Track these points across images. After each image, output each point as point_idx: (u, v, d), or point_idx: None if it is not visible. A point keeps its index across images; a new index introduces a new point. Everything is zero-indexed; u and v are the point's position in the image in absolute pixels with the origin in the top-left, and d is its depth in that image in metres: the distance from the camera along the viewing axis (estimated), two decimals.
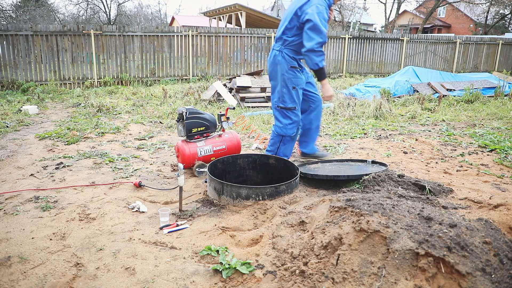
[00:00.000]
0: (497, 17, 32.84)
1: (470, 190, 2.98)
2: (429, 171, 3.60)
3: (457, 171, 3.62)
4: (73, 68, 10.89)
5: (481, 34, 29.07)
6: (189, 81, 12.12)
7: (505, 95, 8.33)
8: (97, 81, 11.12)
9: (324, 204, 2.43)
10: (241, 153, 3.85)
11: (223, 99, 7.78)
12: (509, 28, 33.70)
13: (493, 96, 8.26)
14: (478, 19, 35.12)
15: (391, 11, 33.03)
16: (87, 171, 3.71)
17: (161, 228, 2.50)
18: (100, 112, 6.87)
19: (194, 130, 3.60)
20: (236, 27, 18.48)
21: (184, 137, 3.62)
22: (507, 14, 32.08)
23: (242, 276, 1.94)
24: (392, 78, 9.49)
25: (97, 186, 3.31)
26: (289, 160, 3.35)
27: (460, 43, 15.53)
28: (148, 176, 3.58)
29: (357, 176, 2.99)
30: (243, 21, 16.29)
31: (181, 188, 2.74)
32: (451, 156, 4.12)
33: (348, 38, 14.15)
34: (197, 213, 2.73)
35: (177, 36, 11.98)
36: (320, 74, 3.28)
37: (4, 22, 23.85)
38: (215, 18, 20.53)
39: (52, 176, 3.55)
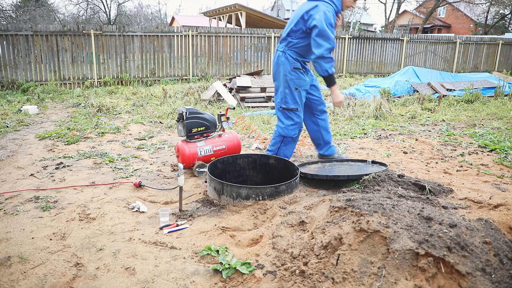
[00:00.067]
0: (497, 17, 32.84)
1: (470, 190, 2.98)
2: (429, 171, 3.60)
3: (457, 171, 3.62)
4: (73, 68, 10.89)
5: (481, 34, 29.07)
6: (189, 81, 12.12)
7: (505, 95, 8.33)
8: (97, 81, 11.12)
9: (324, 204, 2.43)
10: (241, 153, 3.85)
11: (223, 99, 7.78)
12: (509, 28, 33.70)
13: (493, 96, 8.26)
14: (478, 19, 35.13)
15: (391, 11, 33.04)
16: (87, 171, 3.71)
17: (161, 228, 2.50)
18: (100, 112, 6.88)
19: (194, 130, 3.60)
20: (236, 27, 18.48)
21: (184, 137, 3.62)
22: (507, 14, 32.09)
23: (242, 276, 1.94)
24: (392, 78, 9.49)
25: (97, 186, 3.31)
26: (289, 160, 3.35)
27: (460, 43, 15.54)
28: (148, 176, 3.58)
29: (357, 176, 2.99)
30: (243, 21, 16.29)
31: (181, 188, 2.74)
32: (451, 156, 4.12)
33: (348, 38, 14.15)
34: (197, 213, 2.73)
35: (177, 36, 11.98)
36: (330, 80, 3.29)
37: (4, 22, 23.85)
38: (215, 18, 20.53)
39: (52, 176, 3.55)
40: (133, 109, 7.20)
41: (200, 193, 3.13)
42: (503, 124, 5.66)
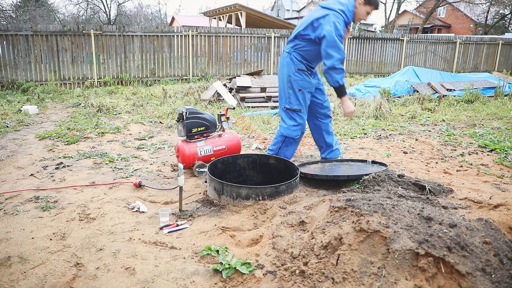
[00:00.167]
0: (497, 17, 32.84)
1: (470, 190, 2.98)
2: (429, 171, 3.60)
3: (457, 171, 3.62)
4: (73, 68, 10.89)
5: (481, 34, 29.07)
6: (189, 81, 12.12)
7: (505, 95, 8.33)
8: (97, 81, 11.12)
9: (324, 204, 2.43)
10: (241, 153, 3.85)
11: (223, 99, 7.78)
12: (509, 28, 33.70)
13: (493, 96, 8.26)
14: (478, 19, 35.13)
15: (391, 11, 33.00)
16: (87, 171, 3.71)
17: (161, 228, 2.50)
18: (100, 112, 6.88)
19: (194, 130, 3.60)
20: (236, 27, 18.48)
21: (184, 137, 3.62)
22: (507, 14, 32.09)
23: (242, 276, 1.94)
24: (392, 78, 9.49)
25: (97, 186, 3.31)
26: (289, 160, 3.35)
27: (460, 43, 15.54)
28: (148, 176, 3.58)
29: (357, 176, 2.99)
30: (243, 21, 16.29)
31: (181, 188, 2.74)
32: (451, 156, 4.12)
33: (348, 38, 14.14)
34: (197, 213, 2.73)
35: (177, 36, 11.98)
36: (340, 91, 3.30)
37: (4, 22, 23.85)
38: (215, 18, 20.53)
39: (52, 176, 3.55)
40: (133, 109, 7.20)
41: (200, 193, 3.13)
42: (503, 124, 5.66)
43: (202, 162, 3.55)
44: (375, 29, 44.43)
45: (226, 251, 2.16)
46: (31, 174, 3.58)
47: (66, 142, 4.78)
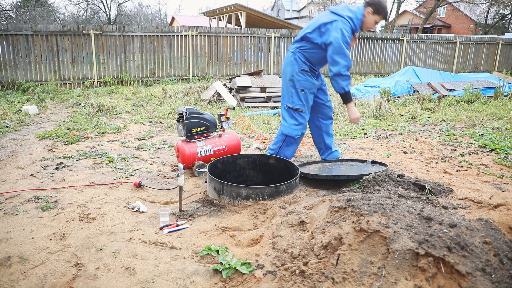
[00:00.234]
0: (497, 17, 32.84)
1: (470, 190, 2.98)
2: (429, 171, 3.60)
3: (457, 171, 3.62)
4: (73, 68, 10.89)
5: (481, 34, 29.07)
6: (189, 81, 12.12)
7: (505, 95, 8.33)
8: (97, 81, 11.12)
9: (324, 204, 2.43)
10: (241, 153, 3.85)
11: (223, 99, 7.78)
12: (509, 28, 33.70)
13: (493, 96, 8.26)
14: (478, 19, 35.13)
15: (391, 11, 32.99)
16: (87, 171, 3.71)
17: (161, 228, 2.50)
18: (100, 112, 6.88)
19: (194, 130, 3.60)
20: (236, 27, 18.48)
21: (184, 137, 3.62)
22: (507, 14, 32.09)
23: (242, 276, 1.94)
24: (392, 78, 9.49)
25: (97, 186, 3.31)
26: (289, 160, 3.35)
27: (460, 43, 15.54)
28: (148, 176, 3.58)
29: (357, 176, 2.99)
30: (243, 21, 16.29)
31: (181, 188, 2.74)
32: (451, 156, 4.12)
33: None
34: (197, 213, 2.73)
35: (177, 36, 11.98)
36: (346, 98, 3.31)
37: (4, 22, 23.86)
38: (215, 18, 20.53)
39: (52, 176, 3.55)
40: (133, 109, 7.20)
41: (200, 193, 3.13)
42: (503, 124, 5.66)
43: (202, 162, 3.55)
44: (375, 29, 44.46)
45: (226, 251, 2.16)
46: (31, 174, 3.58)
47: (66, 142, 4.78)
